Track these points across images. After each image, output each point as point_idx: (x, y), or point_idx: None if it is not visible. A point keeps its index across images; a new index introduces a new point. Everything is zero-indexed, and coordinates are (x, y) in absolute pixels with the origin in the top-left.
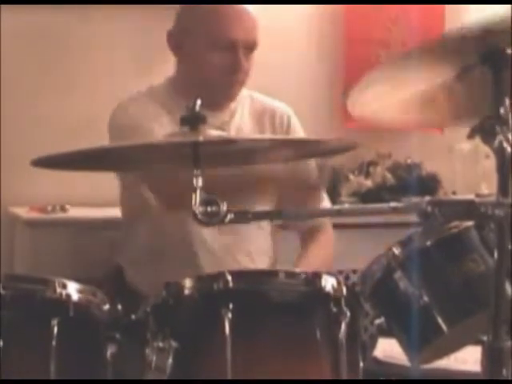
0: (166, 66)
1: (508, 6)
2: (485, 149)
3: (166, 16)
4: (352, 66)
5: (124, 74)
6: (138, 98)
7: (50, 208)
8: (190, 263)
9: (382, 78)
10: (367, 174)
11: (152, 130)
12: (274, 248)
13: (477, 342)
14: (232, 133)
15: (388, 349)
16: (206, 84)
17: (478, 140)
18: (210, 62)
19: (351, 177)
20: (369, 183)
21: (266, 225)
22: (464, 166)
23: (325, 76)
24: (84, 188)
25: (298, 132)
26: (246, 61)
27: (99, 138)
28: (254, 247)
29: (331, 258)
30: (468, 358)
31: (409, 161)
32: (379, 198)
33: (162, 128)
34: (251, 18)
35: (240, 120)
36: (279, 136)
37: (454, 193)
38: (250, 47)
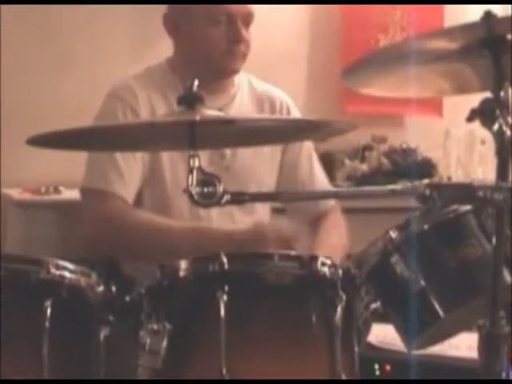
0: (163, 50)
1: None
2: (481, 134)
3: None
4: (350, 50)
5: (120, 57)
6: (131, 81)
7: (43, 189)
8: None
9: (382, 59)
10: (363, 159)
11: (141, 114)
12: None
13: (470, 328)
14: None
15: (382, 334)
16: (208, 61)
17: (474, 125)
18: (211, 36)
19: (346, 161)
20: (364, 168)
21: (263, 211)
22: (460, 151)
23: (322, 60)
24: (77, 170)
25: None
26: (246, 32)
27: None
28: None
29: (346, 242)
30: (461, 344)
31: (404, 146)
32: (374, 182)
33: (155, 110)
34: None
35: (239, 105)
36: (277, 116)
37: (449, 178)
38: (248, 19)
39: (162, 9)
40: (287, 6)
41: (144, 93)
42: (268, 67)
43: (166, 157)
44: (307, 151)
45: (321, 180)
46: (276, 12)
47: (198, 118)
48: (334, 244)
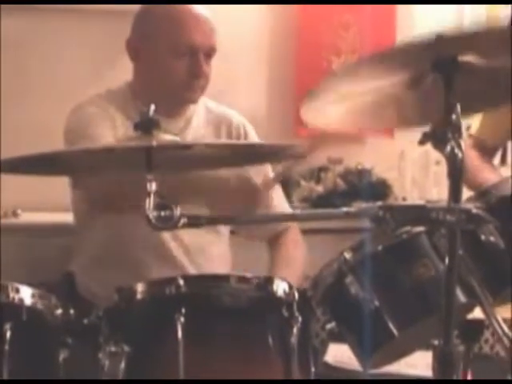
0: (126, 72)
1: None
2: (435, 155)
3: (127, 22)
4: (303, 72)
5: (83, 79)
6: (93, 102)
7: (1, 213)
8: (147, 267)
9: (333, 86)
10: (318, 180)
11: (103, 134)
12: (231, 255)
13: (427, 346)
14: (188, 140)
15: (338, 354)
16: (167, 90)
17: (428, 146)
18: (171, 68)
19: (302, 182)
20: (320, 189)
21: (224, 231)
22: (414, 172)
23: (276, 82)
24: (36, 193)
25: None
26: (207, 66)
27: (59, 144)
28: (215, 251)
29: (304, 259)
30: (418, 363)
31: (359, 167)
32: (330, 203)
33: (116, 131)
34: (209, 23)
35: (196, 128)
36: (232, 141)
37: (404, 199)
38: (210, 52)
39: (123, 31)
40: (243, 29)
41: (108, 112)
42: (223, 89)
43: None
44: (266, 174)
45: (280, 203)
46: (232, 34)
47: (154, 143)
48: (294, 259)
